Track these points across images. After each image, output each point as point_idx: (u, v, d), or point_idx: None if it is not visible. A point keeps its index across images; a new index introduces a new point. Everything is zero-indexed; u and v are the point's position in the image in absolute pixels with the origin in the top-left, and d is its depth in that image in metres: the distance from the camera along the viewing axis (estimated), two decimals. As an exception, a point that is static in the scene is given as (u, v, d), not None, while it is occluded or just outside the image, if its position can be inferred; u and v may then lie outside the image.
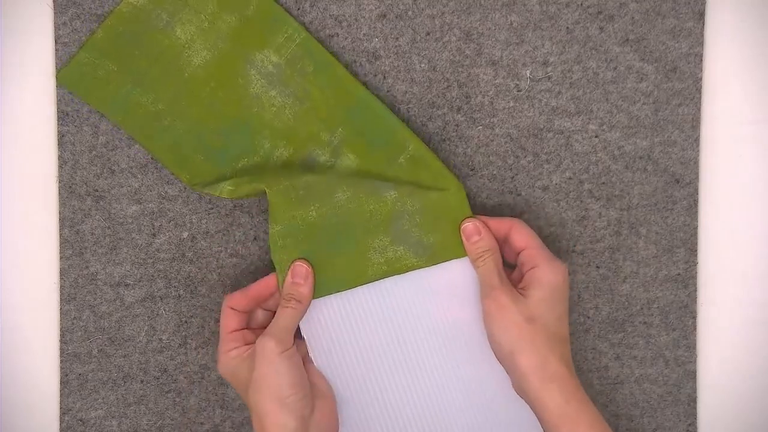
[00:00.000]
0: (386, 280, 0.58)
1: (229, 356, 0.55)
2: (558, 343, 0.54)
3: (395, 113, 0.60)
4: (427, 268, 0.58)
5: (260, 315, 0.58)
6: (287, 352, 0.54)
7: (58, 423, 0.61)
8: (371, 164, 0.59)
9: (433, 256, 0.58)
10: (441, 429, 0.58)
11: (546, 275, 0.55)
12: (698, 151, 0.61)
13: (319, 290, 0.58)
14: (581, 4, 0.60)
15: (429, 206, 0.58)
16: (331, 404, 0.56)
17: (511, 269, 0.58)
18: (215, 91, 0.59)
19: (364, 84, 0.60)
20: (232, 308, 0.57)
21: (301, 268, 0.57)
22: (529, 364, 0.53)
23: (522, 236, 0.56)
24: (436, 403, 0.58)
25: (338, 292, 0.58)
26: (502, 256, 0.58)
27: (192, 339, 0.61)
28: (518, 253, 0.57)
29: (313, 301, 0.57)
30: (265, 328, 0.55)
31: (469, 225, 0.57)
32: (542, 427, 0.54)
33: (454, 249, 0.58)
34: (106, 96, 0.59)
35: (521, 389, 0.54)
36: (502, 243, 0.58)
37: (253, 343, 0.55)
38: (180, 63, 0.59)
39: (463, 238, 0.57)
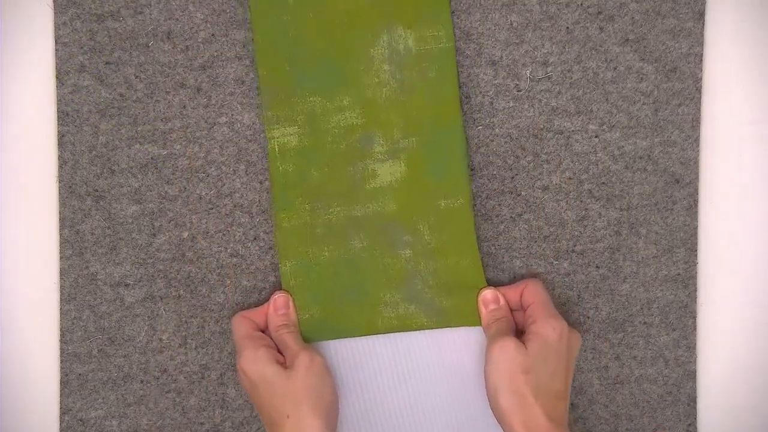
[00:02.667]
0: (395, 335, 0.59)
1: (263, 352, 0.55)
2: (550, 399, 0.54)
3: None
4: (437, 330, 0.59)
5: None
6: (330, 369, 0.56)
7: (58, 423, 0.61)
8: (415, 187, 0.58)
9: (444, 320, 0.59)
10: None
11: (541, 329, 0.55)
12: (698, 151, 0.61)
13: (329, 333, 0.58)
14: (581, 4, 0.60)
15: (443, 271, 0.58)
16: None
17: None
18: (342, 32, 0.58)
19: (466, 119, 0.60)
20: (246, 317, 0.58)
21: (281, 298, 0.59)
22: (516, 417, 0.53)
23: (531, 293, 0.58)
24: None
25: (347, 338, 0.58)
26: (518, 325, 0.59)
27: (192, 339, 0.61)
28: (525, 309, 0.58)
29: (321, 343, 0.59)
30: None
31: (489, 293, 0.58)
32: None
33: (466, 316, 0.58)
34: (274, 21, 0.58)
35: None
36: (519, 309, 0.59)
37: (275, 348, 0.57)
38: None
39: (480, 305, 0.58)
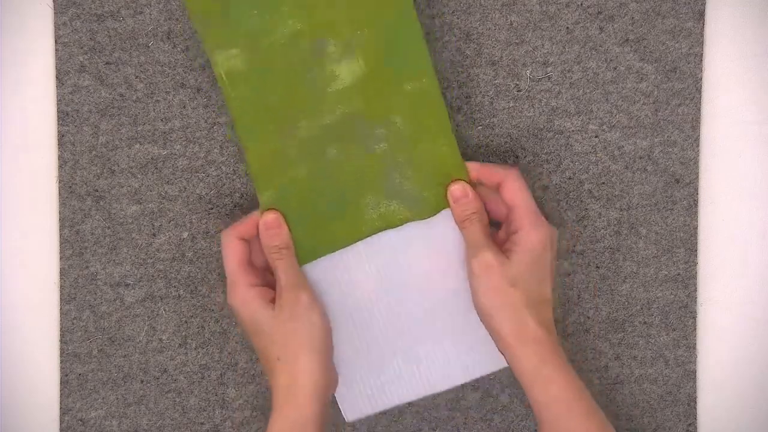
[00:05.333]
0: (380, 234, 0.58)
1: (252, 294, 0.55)
2: (539, 306, 0.54)
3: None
4: (422, 220, 0.58)
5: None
6: (317, 301, 0.55)
7: (58, 423, 0.61)
8: (376, 78, 0.56)
9: (427, 209, 0.58)
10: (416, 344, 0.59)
11: (528, 239, 0.55)
12: (698, 151, 0.61)
13: (315, 252, 0.57)
14: (581, 4, 0.60)
15: (419, 159, 0.57)
16: (335, 370, 0.57)
17: (497, 228, 0.58)
18: None
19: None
20: (238, 238, 0.56)
21: (268, 216, 0.56)
22: (507, 327, 0.54)
23: (512, 192, 0.56)
24: (416, 334, 0.59)
25: (333, 251, 0.58)
26: (489, 215, 0.58)
27: (192, 339, 0.61)
28: (507, 209, 0.57)
29: (306, 266, 0.58)
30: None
31: (457, 187, 0.57)
32: (522, 388, 0.54)
33: (445, 200, 0.57)
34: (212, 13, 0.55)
35: (500, 350, 0.55)
36: (494, 191, 0.57)
37: (270, 285, 0.56)
38: None
39: (450, 201, 0.57)
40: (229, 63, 0.55)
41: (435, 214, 0.58)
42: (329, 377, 0.55)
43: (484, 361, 0.59)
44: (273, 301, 0.55)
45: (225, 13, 0.55)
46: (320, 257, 0.58)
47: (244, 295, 0.55)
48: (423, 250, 0.58)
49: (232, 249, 0.56)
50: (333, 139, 0.57)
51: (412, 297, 0.59)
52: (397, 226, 0.58)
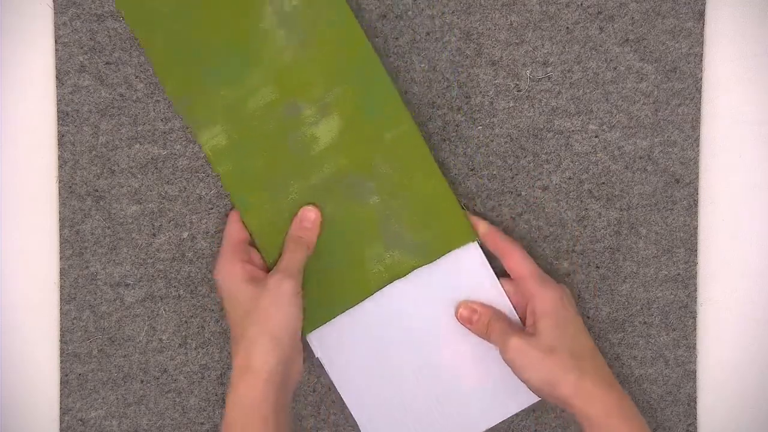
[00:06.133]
0: (389, 286, 0.58)
1: (239, 268, 0.56)
2: (585, 360, 0.55)
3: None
4: (426, 265, 0.58)
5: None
6: (300, 294, 0.55)
7: (58, 423, 0.61)
8: (355, 132, 0.58)
9: (429, 253, 0.58)
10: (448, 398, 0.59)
11: (542, 304, 0.56)
12: (698, 151, 0.61)
13: (328, 313, 0.58)
14: (581, 4, 0.60)
15: (413, 204, 0.58)
16: (300, 365, 0.56)
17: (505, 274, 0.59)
18: (229, 16, 0.57)
19: (378, 52, 0.59)
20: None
21: (310, 212, 0.58)
22: (567, 393, 0.54)
23: (516, 263, 0.58)
24: (445, 379, 0.59)
25: (345, 310, 0.58)
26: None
27: (192, 339, 0.61)
28: (513, 277, 0.59)
29: (323, 327, 0.58)
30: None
31: (461, 311, 0.59)
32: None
33: (447, 241, 0.58)
34: (153, 25, 0.58)
35: (568, 409, 0.55)
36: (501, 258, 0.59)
37: (258, 267, 0.57)
38: None
39: (463, 324, 0.59)
40: (213, 141, 0.58)
41: (440, 257, 0.58)
42: (287, 369, 0.54)
43: (518, 396, 0.59)
44: (258, 279, 0.55)
45: (201, 91, 0.57)
46: (335, 317, 0.58)
47: (233, 268, 0.56)
48: (435, 294, 0.59)
49: (238, 226, 0.58)
50: (325, 198, 0.58)
51: (432, 341, 0.59)
52: (405, 275, 0.58)
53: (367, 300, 0.58)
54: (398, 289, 0.59)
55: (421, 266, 0.58)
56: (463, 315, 0.59)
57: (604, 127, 0.61)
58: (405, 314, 0.59)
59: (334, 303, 0.58)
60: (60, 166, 0.60)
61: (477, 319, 0.58)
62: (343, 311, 0.58)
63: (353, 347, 0.59)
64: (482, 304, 0.59)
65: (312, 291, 0.58)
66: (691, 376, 0.62)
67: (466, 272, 0.59)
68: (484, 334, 0.58)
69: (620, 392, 0.55)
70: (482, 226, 0.59)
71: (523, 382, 0.56)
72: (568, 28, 0.60)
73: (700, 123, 0.61)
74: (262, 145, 0.58)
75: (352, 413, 0.59)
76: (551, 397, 0.55)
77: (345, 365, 0.59)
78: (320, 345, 0.59)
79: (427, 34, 0.60)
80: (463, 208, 0.59)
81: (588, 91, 0.61)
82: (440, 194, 0.58)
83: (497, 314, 0.58)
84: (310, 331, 0.58)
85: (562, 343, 0.55)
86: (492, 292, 0.59)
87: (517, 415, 0.62)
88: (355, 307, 0.58)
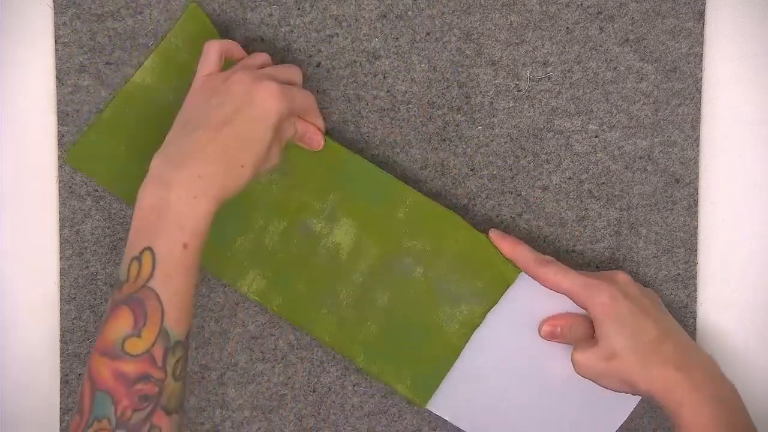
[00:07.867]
0: (475, 336, 0.59)
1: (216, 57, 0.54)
2: (648, 354, 0.55)
3: (395, 113, 0.60)
4: (494, 308, 0.59)
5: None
6: (279, 149, 0.54)
7: (58, 423, 0.61)
8: (370, 224, 0.59)
9: (491, 294, 0.59)
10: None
11: (595, 309, 0.55)
12: (698, 151, 0.61)
13: (435, 378, 0.59)
14: (581, 4, 0.60)
15: (455, 261, 0.59)
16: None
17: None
18: None
19: (350, 143, 0.59)
20: (219, 51, 0.55)
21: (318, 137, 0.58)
22: (644, 389, 0.54)
23: (554, 280, 0.57)
24: (556, 399, 0.60)
25: (442, 378, 0.59)
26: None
27: (192, 339, 0.61)
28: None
29: (436, 394, 0.60)
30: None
31: (544, 329, 0.59)
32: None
33: (501, 280, 0.59)
34: (115, 174, 0.59)
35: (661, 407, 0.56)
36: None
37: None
38: None
39: (551, 339, 0.59)
40: (253, 287, 0.60)
41: (501, 295, 0.59)
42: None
43: (618, 408, 0.60)
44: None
45: (221, 250, 0.59)
46: (439, 386, 0.60)
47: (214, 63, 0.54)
48: (516, 327, 0.59)
49: (215, 53, 0.54)
50: (375, 290, 0.59)
51: (534, 367, 0.60)
52: (480, 324, 0.59)
53: (462, 353, 0.59)
54: (481, 335, 0.59)
55: (491, 308, 0.59)
56: (547, 331, 0.59)
57: (604, 127, 0.61)
58: (501, 355, 0.60)
59: (433, 374, 0.59)
60: (60, 166, 0.60)
61: (560, 331, 0.58)
62: (443, 378, 0.59)
63: (471, 398, 0.60)
64: (558, 315, 0.59)
65: (409, 370, 0.59)
66: (691, 376, 0.62)
67: (531, 299, 0.59)
68: (570, 343, 0.58)
69: (689, 369, 0.54)
70: (506, 247, 0.59)
71: (611, 390, 0.56)
72: (568, 28, 0.60)
73: (700, 123, 0.61)
74: (297, 271, 0.59)
75: None
76: (638, 394, 0.55)
77: (471, 415, 0.60)
78: (444, 409, 0.60)
79: (427, 34, 0.60)
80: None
81: (588, 91, 0.61)
82: (471, 240, 0.59)
83: (576, 321, 0.58)
84: (425, 403, 0.60)
85: (623, 345, 0.54)
86: (561, 301, 0.59)
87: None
88: (455, 363, 0.59)
